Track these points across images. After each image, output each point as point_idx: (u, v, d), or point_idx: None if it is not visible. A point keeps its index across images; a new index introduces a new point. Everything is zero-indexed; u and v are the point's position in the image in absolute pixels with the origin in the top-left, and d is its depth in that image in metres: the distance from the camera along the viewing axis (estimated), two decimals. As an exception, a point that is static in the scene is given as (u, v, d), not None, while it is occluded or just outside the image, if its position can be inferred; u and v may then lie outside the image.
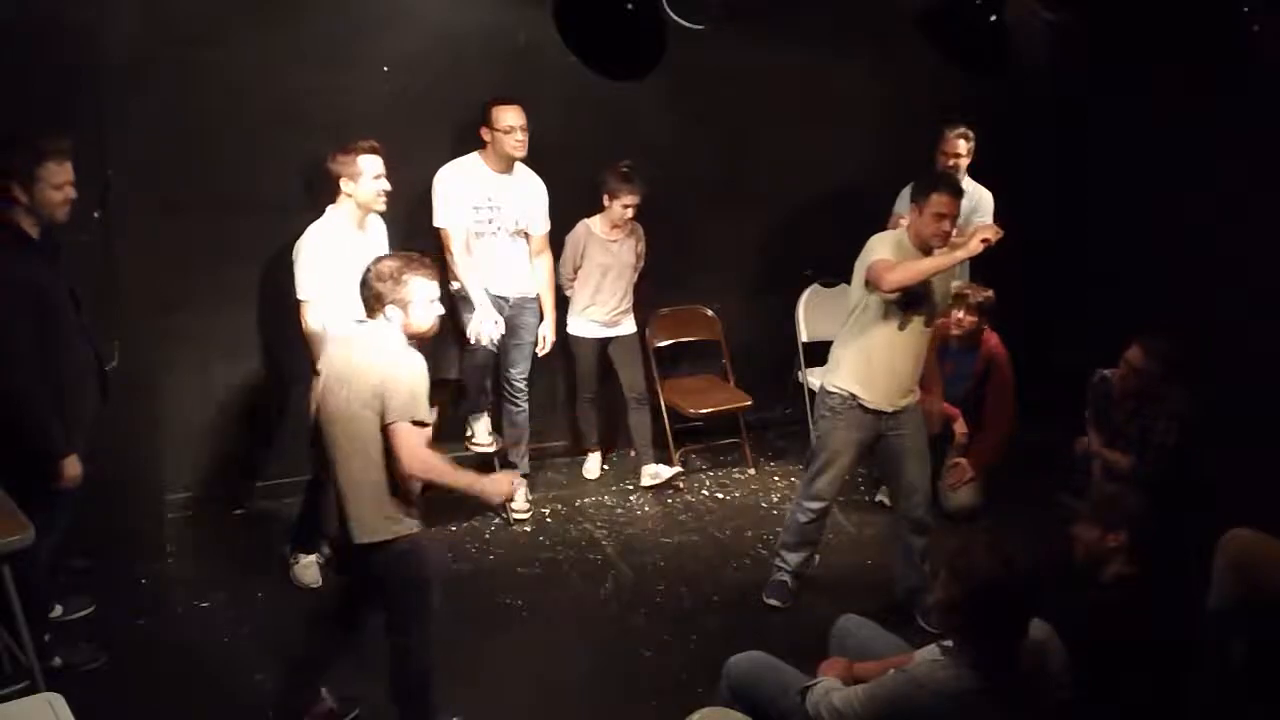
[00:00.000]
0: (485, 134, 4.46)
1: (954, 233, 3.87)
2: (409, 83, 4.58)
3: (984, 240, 3.65)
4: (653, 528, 4.90)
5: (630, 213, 4.86)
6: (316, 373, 3.17)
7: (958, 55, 4.17)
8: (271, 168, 4.35)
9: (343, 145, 3.94)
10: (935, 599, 2.59)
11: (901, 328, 3.87)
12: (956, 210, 3.81)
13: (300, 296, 3.93)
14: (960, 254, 3.72)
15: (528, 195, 4.62)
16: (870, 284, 3.81)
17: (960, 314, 4.88)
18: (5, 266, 3.15)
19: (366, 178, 3.93)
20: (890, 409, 3.96)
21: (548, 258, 4.78)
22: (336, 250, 3.91)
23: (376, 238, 4.12)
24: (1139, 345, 4.43)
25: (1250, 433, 4.70)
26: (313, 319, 3.92)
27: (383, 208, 4.04)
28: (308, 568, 4.21)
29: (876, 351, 3.90)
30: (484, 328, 4.46)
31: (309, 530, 4.16)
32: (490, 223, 4.55)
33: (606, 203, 4.88)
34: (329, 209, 3.99)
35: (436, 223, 4.52)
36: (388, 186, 3.99)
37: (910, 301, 3.84)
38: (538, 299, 4.80)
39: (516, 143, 4.44)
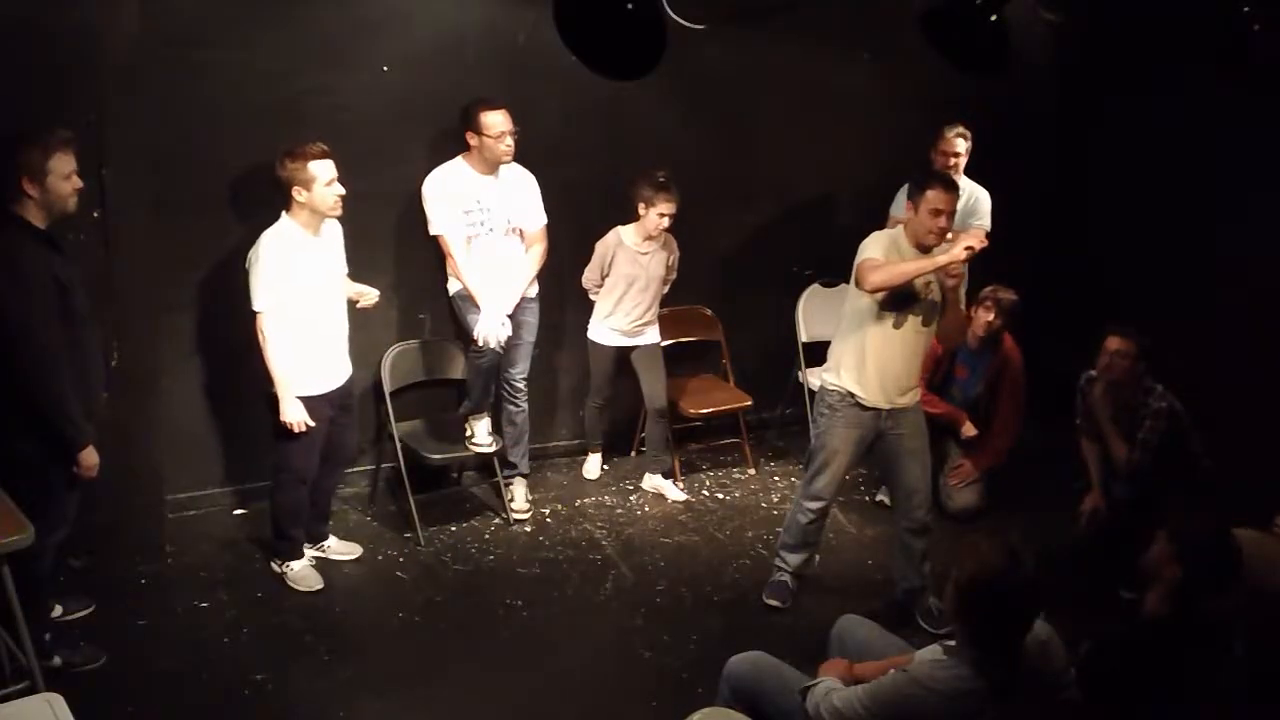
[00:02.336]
0: (471, 139, 4.41)
1: (950, 229, 3.87)
2: (409, 83, 4.57)
3: (968, 248, 3.63)
4: (653, 528, 4.90)
5: (666, 222, 4.77)
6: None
7: (958, 55, 4.16)
8: (270, 168, 4.32)
9: (287, 150, 3.83)
10: (944, 595, 2.58)
11: (897, 326, 3.87)
12: (953, 206, 3.80)
13: (256, 308, 3.87)
14: (942, 259, 3.71)
15: (517, 193, 4.58)
16: (857, 282, 3.82)
17: (990, 317, 4.89)
18: (30, 261, 3.16)
19: (319, 184, 3.83)
20: (888, 406, 3.95)
21: (539, 249, 4.68)
22: (292, 259, 3.87)
23: (333, 243, 4.06)
24: (1113, 333, 4.48)
25: (1252, 432, 4.71)
26: (269, 329, 3.88)
27: (339, 213, 3.96)
28: (304, 572, 4.20)
29: (871, 349, 3.90)
30: (492, 330, 4.44)
31: (281, 534, 4.19)
32: (482, 224, 4.52)
33: (642, 211, 4.79)
34: (284, 215, 3.91)
35: (433, 231, 4.51)
36: (342, 191, 3.89)
37: (904, 300, 3.84)
38: (537, 298, 4.78)
39: (506, 148, 4.40)
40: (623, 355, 5.10)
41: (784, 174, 5.54)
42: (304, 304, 3.93)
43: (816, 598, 4.23)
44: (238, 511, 4.72)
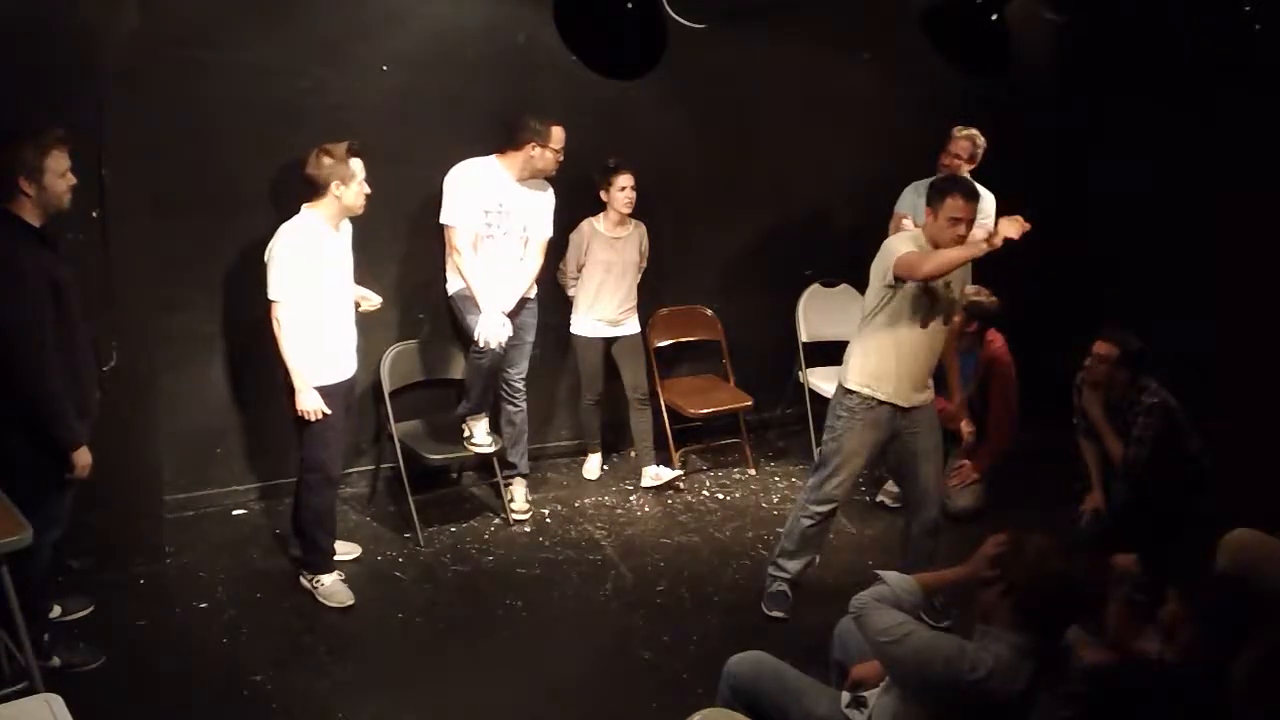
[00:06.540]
0: (532, 148, 4.42)
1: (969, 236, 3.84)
2: (409, 83, 4.57)
3: (1007, 238, 3.57)
4: (653, 528, 4.90)
5: (630, 195, 4.85)
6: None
7: (959, 55, 4.17)
8: (270, 167, 4.34)
9: (324, 148, 3.85)
10: (989, 590, 2.58)
11: (924, 325, 3.86)
12: (972, 214, 3.78)
13: (273, 297, 3.87)
14: (985, 247, 3.64)
15: (538, 205, 4.60)
16: (901, 278, 3.77)
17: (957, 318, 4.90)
18: (26, 258, 3.16)
19: (358, 180, 3.88)
20: (907, 405, 3.94)
21: (538, 260, 4.69)
22: (314, 251, 3.88)
23: (346, 239, 4.07)
24: (1101, 336, 4.48)
25: (1252, 433, 4.71)
26: (285, 318, 3.88)
27: (362, 211, 3.99)
28: (336, 588, 4.13)
29: (902, 348, 3.88)
30: (492, 331, 4.44)
31: (313, 545, 4.15)
32: (498, 228, 4.53)
33: (605, 196, 4.89)
34: (305, 208, 3.91)
35: (444, 219, 4.50)
36: (369, 189, 3.94)
37: (933, 298, 3.83)
38: (536, 298, 4.79)
39: (558, 163, 4.47)
40: (608, 346, 5.14)
41: (784, 174, 5.54)
42: (320, 295, 3.93)
43: (817, 599, 4.21)
44: (237, 512, 4.72)
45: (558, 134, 4.44)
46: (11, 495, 3.16)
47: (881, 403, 3.92)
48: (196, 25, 4.14)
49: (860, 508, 5.15)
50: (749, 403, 5.44)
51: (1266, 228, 5.06)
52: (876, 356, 3.92)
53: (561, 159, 4.48)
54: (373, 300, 4.24)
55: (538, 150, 4.43)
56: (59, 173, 3.22)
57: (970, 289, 4.85)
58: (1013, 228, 3.58)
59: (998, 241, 3.59)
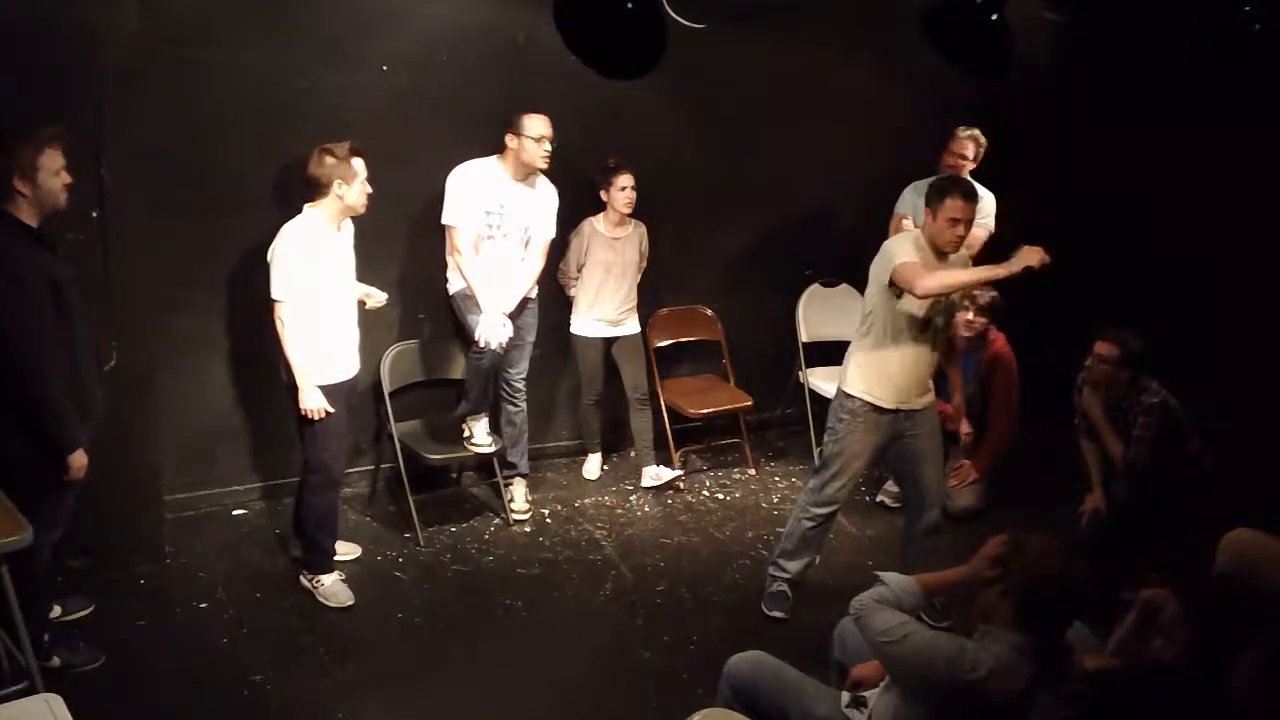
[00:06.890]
0: (511, 140, 4.42)
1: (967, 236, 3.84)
2: (409, 82, 4.57)
3: (1027, 267, 3.54)
4: (653, 528, 4.90)
5: (631, 195, 4.86)
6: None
7: (959, 55, 4.17)
8: (270, 167, 4.35)
9: (326, 147, 3.86)
10: (990, 590, 2.58)
11: (923, 330, 3.86)
12: (971, 215, 3.79)
13: (276, 296, 3.87)
14: (1001, 271, 3.62)
15: (540, 206, 4.60)
16: (897, 286, 3.76)
17: (970, 315, 4.89)
18: (24, 258, 3.16)
19: (359, 179, 3.90)
20: (907, 408, 3.94)
21: (540, 260, 4.70)
22: (316, 251, 3.88)
23: (348, 238, 4.08)
24: (1102, 336, 4.49)
25: (1252, 432, 4.71)
26: (288, 317, 3.88)
27: (364, 209, 4.00)
28: (336, 588, 4.13)
29: (901, 353, 3.87)
30: (493, 331, 4.44)
31: (313, 546, 4.15)
32: (498, 228, 4.53)
33: (605, 196, 4.89)
34: (307, 208, 3.92)
35: (445, 220, 4.50)
36: (370, 189, 3.96)
37: (935, 301, 3.82)
38: (537, 299, 4.79)
39: (545, 153, 4.44)
40: (608, 346, 5.14)
41: (784, 174, 5.54)
42: (322, 295, 3.93)
43: (817, 599, 4.21)
44: (237, 512, 4.72)
45: (531, 122, 4.39)
46: (11, 496, 3.16)
47: (880, 405, 3.93)
48: (196, 25, 4.14)
49: (860, 508, 5.15)
50: (749, 403, 5.44)
51: (1266, 228, 5.06)
52: (876, 360, 3.91)
53: (548, 149, 4.43)
54: (378, 297, 4.24)
55: (516, 141, 4.42)
56: (54, 171, 3.22)
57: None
58: (1034, 257, 3.56)
59: (1016, 268, 3.58)
